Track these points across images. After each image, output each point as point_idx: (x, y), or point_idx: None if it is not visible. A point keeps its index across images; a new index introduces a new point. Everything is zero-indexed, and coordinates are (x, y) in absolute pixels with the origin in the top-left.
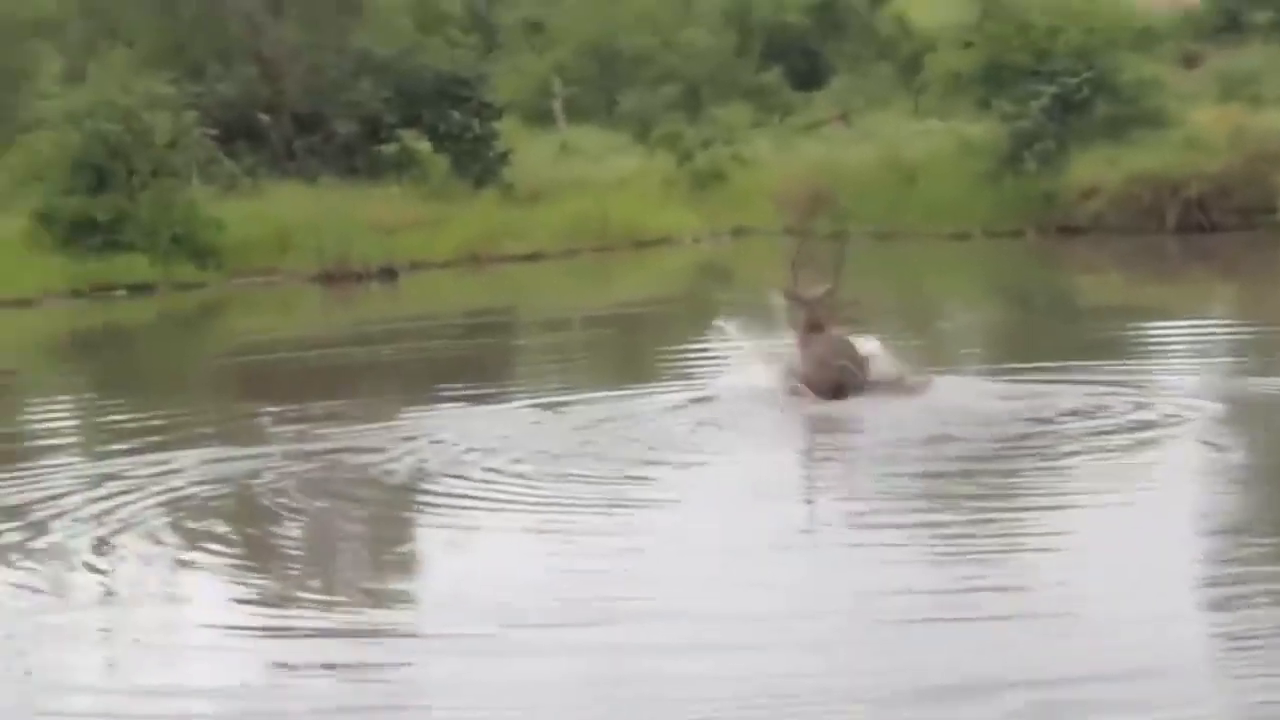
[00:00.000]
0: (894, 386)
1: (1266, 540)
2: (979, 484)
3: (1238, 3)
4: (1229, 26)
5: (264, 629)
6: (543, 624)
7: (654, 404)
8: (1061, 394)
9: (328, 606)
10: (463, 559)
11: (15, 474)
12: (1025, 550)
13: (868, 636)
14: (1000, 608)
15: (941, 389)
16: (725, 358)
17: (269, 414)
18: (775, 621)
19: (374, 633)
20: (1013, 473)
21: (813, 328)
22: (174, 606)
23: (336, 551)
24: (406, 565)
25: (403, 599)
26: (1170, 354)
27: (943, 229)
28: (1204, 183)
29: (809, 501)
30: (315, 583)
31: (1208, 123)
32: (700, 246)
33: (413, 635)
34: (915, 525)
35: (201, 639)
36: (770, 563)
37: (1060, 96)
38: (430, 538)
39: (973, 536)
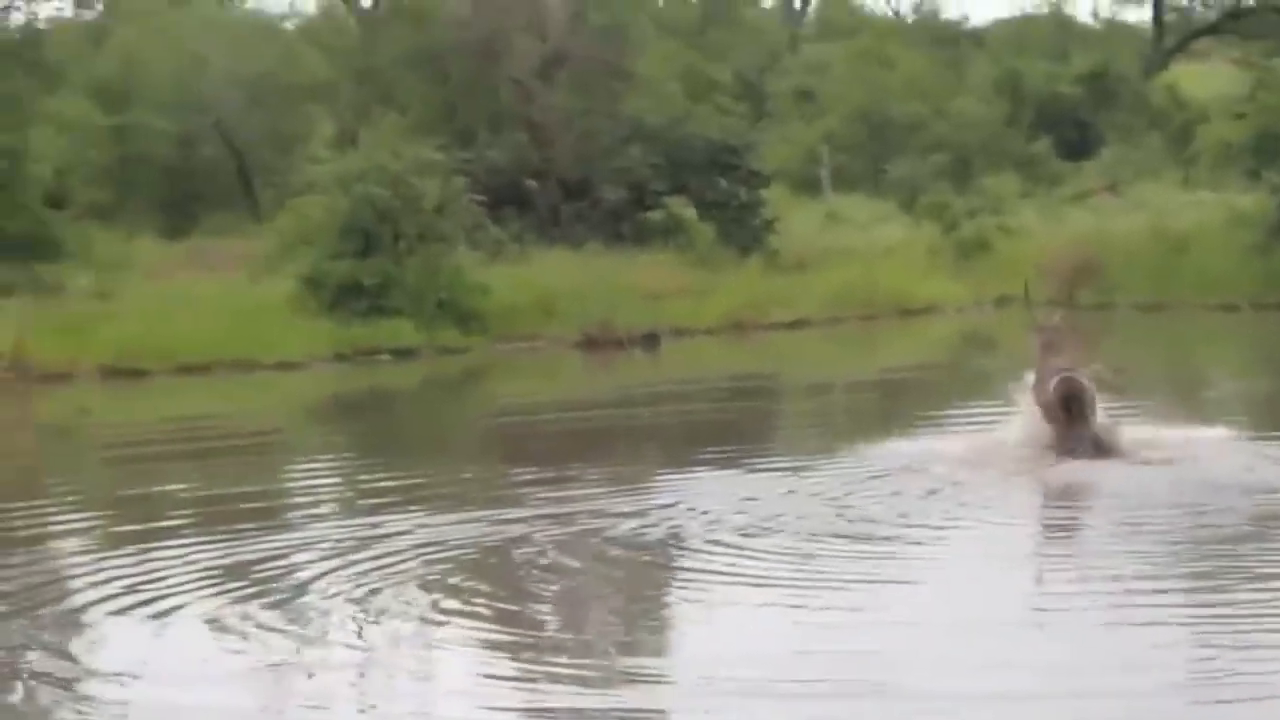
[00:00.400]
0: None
1: None
2: (1230, 557)
3: None
4: None
5: (517, 709)
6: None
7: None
8: None
9: (583, 684)
10: (711, 636)
11: (271, 530)
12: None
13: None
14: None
15: (1198, 458)
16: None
17: (528, 477)
18: (1034, 704)
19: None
20: (1266, 549)
21: (1048, 349)
22: (426, 683)
23: (590, 624)
24: (658, 643)
25: (654, 678)
26: None
27: (1210, 300)
28: None
29: (1059, 573)
30: (568, 659)
31: None
32: (964, 315)
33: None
34: (1166, 604)
35: (452, 713)
36: (1020, 639)
37: None
38: (683, 612)
39: (1224, 616)
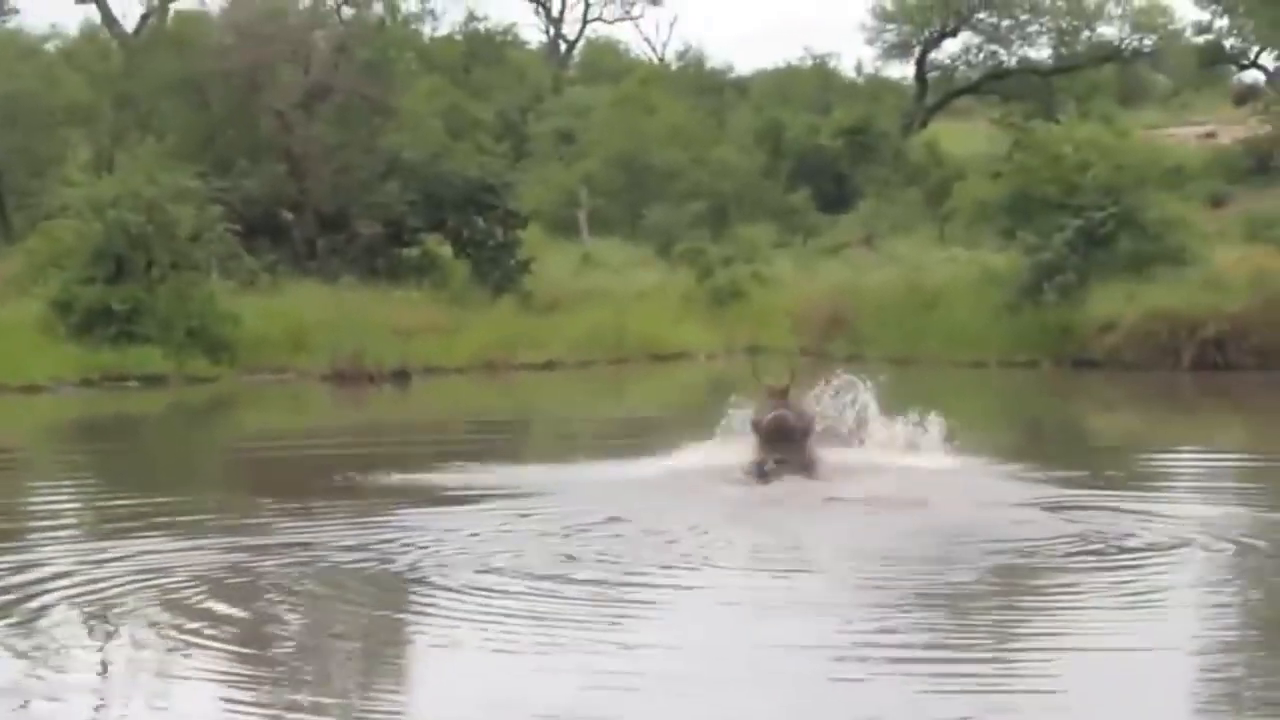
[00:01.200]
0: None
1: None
2: (970, 612)
3: (1268, 146)
4: (1259, 169)
5: None
6: None
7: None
8: (1061, 521)
9: (317, 711)
10: (442, 675)
11: (6, 551)
12: (1013, 690)
13: None
14: None
15: (942, 510)
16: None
17: (270, 507)
18: None
19: None
20: (1004, 605)
21: (774, 395)
22: (164, 713)
23: (328, 657)
24: (394, 675)
25: (387, 712)
26: (1176, 485)
27: (960, 357)
28: (1222, 323)
29: (795, 626)
30: (308, 694)
31: (1230, 263)
32: (715, 363)
33: None
34: (897, 659)
35: None
36: (753, 695)
37: (1084, 230)
38: (416, 648)
39: (962, 675)
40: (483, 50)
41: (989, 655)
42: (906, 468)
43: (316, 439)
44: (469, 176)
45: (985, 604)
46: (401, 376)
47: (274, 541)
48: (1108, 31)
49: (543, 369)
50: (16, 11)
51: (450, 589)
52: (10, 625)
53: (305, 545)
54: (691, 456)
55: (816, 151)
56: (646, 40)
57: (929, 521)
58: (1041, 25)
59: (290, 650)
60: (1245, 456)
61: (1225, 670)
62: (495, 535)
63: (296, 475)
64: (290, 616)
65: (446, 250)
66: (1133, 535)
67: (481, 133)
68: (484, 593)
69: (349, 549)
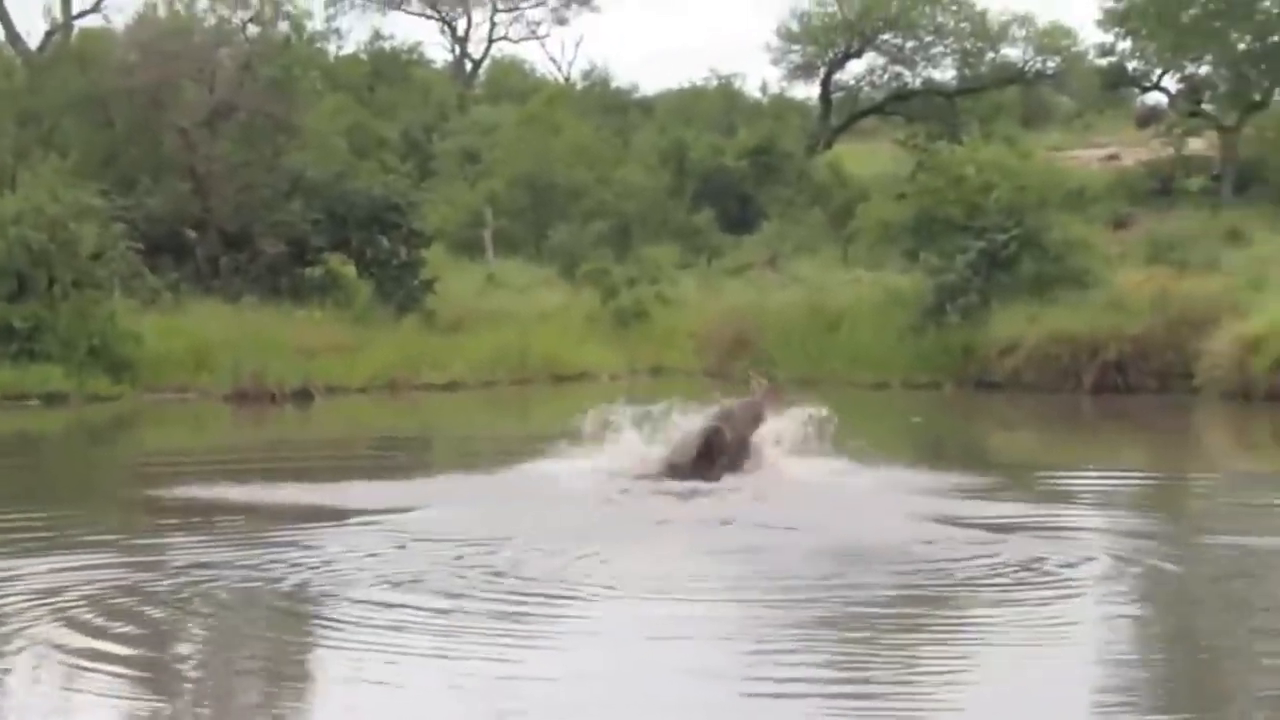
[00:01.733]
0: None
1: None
2: (873, 632)
3: (1171, 168)
4: (1161, 190)
5: None
6: None
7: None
8: (966, 542)
9: None
10: (347, 696)
11: None
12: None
13: None
14: None
15: (847, 530)
16: None
17: (170, 526)
18: None
19: None
20: (910, 629)
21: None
22: None
23: (221, 673)
24: (294, 693)
25: None
26: (1078, 506)
27: (863, 378)
28: (1123, 344)
29: (697, 653)
30: (203, 708)
31: (1132, 285)
32: (618, 383)
33: None
34: (801, 693)
35: None
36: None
37: (987, 252)
38: (317, 667)
39: (867, 703)
40: (388, 69)
41: (894, 683)
42: (813, 483)
43: (216, 458)
44: (373, 195)
45: (890, 628)
46: (303, 396)
47: (171, 560)
48: (1011, 53)
49: (445, 389)
50: None
51: (347, 610)
52: None
53: (203, 565)
54: (586, 468)
55: (721, 172)
56: (552, 60)
57: (833, 542)
58: (946, 47)
59: (186, 670)
60: (1146, 476)
61: (1131, 697)
62: (393, 554)
63: (195, 494)
64: (187, 637)
65: (350, 269)
66: (1038, 557)
67: (386, 152)
68: (381, 615)
69: (246, 568)
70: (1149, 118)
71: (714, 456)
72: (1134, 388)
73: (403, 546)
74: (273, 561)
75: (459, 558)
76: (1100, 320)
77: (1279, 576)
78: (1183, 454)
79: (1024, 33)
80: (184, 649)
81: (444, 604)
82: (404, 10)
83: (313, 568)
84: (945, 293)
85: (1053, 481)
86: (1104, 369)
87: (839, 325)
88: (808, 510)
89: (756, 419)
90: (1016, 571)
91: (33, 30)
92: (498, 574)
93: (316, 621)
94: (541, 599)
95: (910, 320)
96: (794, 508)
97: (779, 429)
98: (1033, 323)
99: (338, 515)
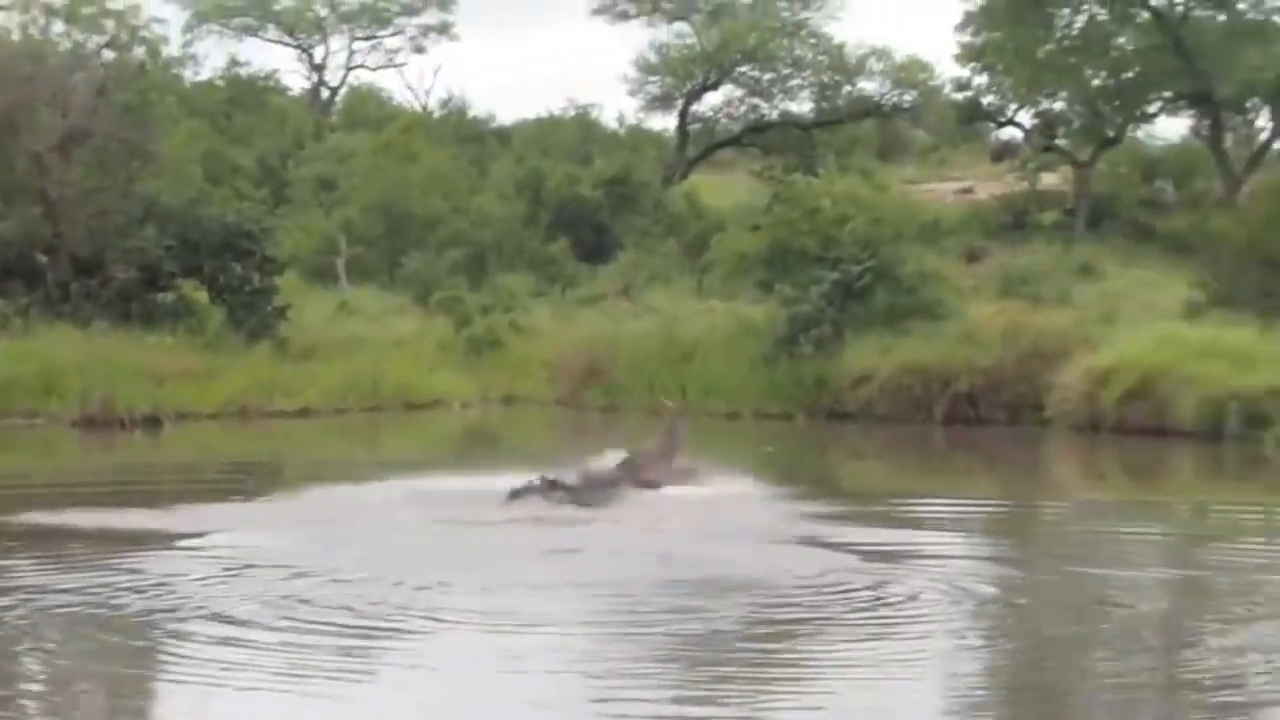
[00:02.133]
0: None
1: None
2: (722, 664)
3: (1024, 202)
4: (1015, 225)
5: None
6: None
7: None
8: (816, 569)
9: None
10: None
11: None
12: None
13: None
14: None
15: (696, 555)
16: None
17: (13, 551)
18: None
19: None
20: (758, 657)
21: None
22: None
23: (54, 705)
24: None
25: None
26: (925, 530)
27: (716, 408)
28: (975, 377)
29: (540, 683)
30: None
31: (985, 318)
32: (469, 412)
33: None
34: (651, 714)
35: None
36: None
37: (841, 283)
38: (147, 697)
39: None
40: (244, 96)
41: (742, 716)
42: (673, 508)
43: (64, 483)
44: (227, 222)
45: (739, 659)
46: (153, 422)
47: (13, 585)
48: (868, 87)
49: (297, 416)
50: None
51: (184, 641)
52: None
53: (45, 590)
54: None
55: (577, 202)
56: (410, 88)
57: (685, 570)
58: (803, 79)
59: (18, 699)
60: (996, 505)
61: None
62: (235, 583)
63: (40, 519)
64: (21, 662)
65: (202, 295)
66: (888, 585)
67: (241, 178)
68: (219, 647)
69: (87, 594)
70: (1003, 152)
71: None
72: (985, 419)
73: (245, 575)
74: (114, 588)
75: (302, 586)
76: (952, 352)
77: (1127, 604)
78: (1033, 484)
79: (881, 66)
80: (16, 678)
81: (285, 636)
82: (261, 37)
83: (153, 595)
84: (799, 324)
85: (904, 510)
86: (955, 401)
87: (692, 355)
88: (663, 537)
89: (674, 447)
90: (866, 600)
91: None
92: (340, 605)
93: (153, 653)
94: (384, 631)
95: (763, 351)
96: (650, 535)
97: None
98: (885, 354)
99: (182, 541)
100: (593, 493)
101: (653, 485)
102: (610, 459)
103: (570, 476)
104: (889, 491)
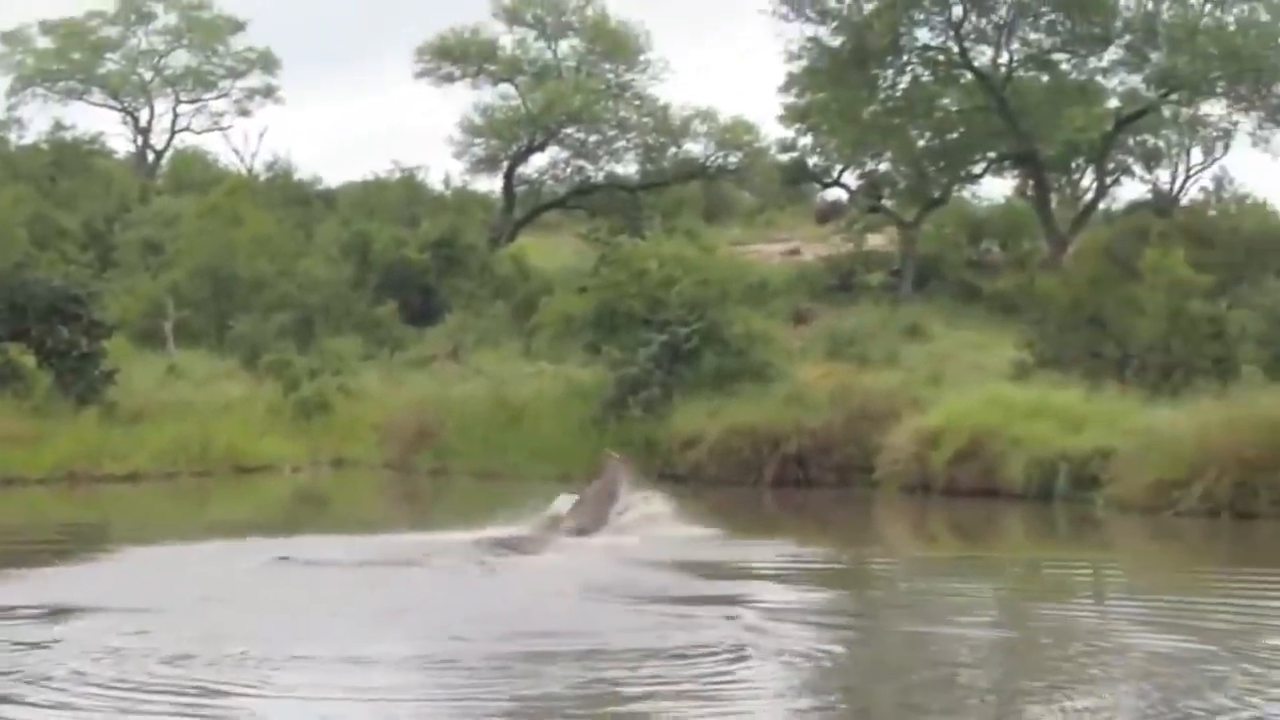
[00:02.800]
0: None
1: None
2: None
3: (851, 263)
4: (842, 286)
5: None
6: None
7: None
8: (649, 630)
9: None
10: None
11: None
12: None
13: None
14: None
15: (524, 614)
16: None
17: None
18: None
19: None
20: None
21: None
22: None
23: None
24: None
25: None
26: (755, 587)
27: (545, 471)
28: (804, 438)
29: None
30: None
31: (813, 379)
32: (299, 475)
33: None
34: None
35: None
36: None
37: (669, 345)
38: None
39: None
40: (69, 159)
41: None
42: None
43: None
44: (53, 286)
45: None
46: None
47: None
48: (694, 148)
49: (126, 480)
50: None
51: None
52: None
53: None
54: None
55: (403, 264)
56: (235, 151)
57: (517, 628)
58: (629, 141)
59: None
60: (826, 564)
61: None
62: (54, 648)
63: None
64: None
65: (29, 360)
66: (716, 640)
67: (67, 242)
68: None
69: None
70: (828, 213)
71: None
72: (814, 481)
73: (62, 640)
74: None
75: (116, 650)
76: (781, 414)
77: (949, 659)
78: (862, 543)
79: (706, 128)
80: None
81: (94, 702)
82: (86, 101)
83: None
84: (627, 386)
85: (733, 568)
86: (784, 462)
87: (521, 418)
88: (494, 596)
89: (611, 496)
90: (695, 655)
91: None
92: (159, 672)
93: None
94: (208, 702)
95: (592, 413)
96: (487, 592)
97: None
98: (714, 416)
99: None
100: (527, 542)
101: (584, 533)
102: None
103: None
104: (720, 550)
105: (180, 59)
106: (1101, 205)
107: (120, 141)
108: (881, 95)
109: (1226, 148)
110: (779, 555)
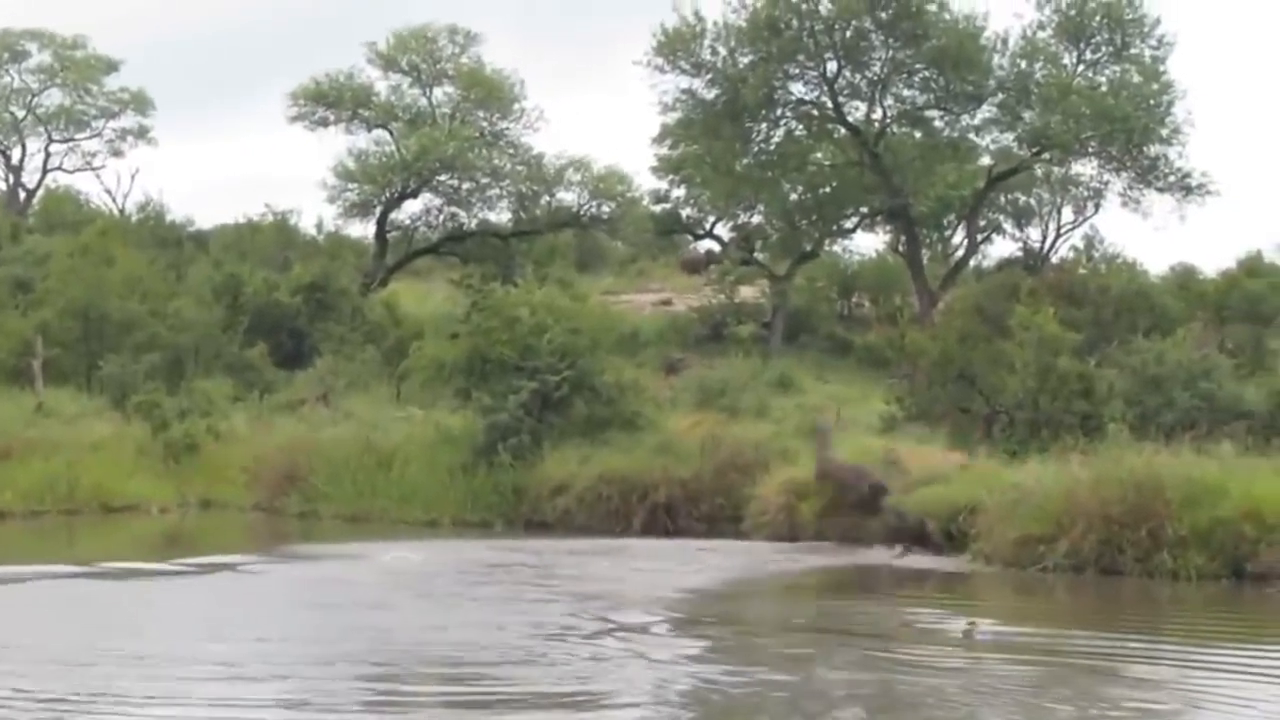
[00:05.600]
0: None
1: None
2: None
3: (722, 314)
4: (713, 336)
5: None
6: None
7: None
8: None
9: None
10: None
11: None
12: None
13: None
14: None
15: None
16: None
17: None
18: None
19: None
20: None
21: None
22: None
23: None
24: None
25: None
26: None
27: (413, 516)
28: (673, 487)
29: None
30: None
31: (683, 429)
32: (168, 515)
33: None
34: None
35: None
36: None
37: (540, 393)
38: None
39: None
40: None
41: None
42: None
43: None
44: None
45: None
46: None
47: None
48: (567, 197)
49: None
50: None
51: None
52: None
53: None
54: None
55: (275, 307)
56: (107, 191)
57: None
58: (502, 189)
59: None
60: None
61: None
62: None
63: None
64: None
65: None
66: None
67: None
68: None
69: None
70: (699, 264)
71: None
72: (683, 531)
73: None
74: None
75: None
76: (650, 463)
77: None
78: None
79: (580, 177)
80: None
81: None
82: None
83: None
84: (497, 432)
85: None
86: (653, 511)
87: (390, 463)
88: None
89: None
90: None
91: None
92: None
93: None
94: None
95: (462, 459)
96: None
97: None
98: (584, 464)
99: None
100: None
101: None
102: None
103: None
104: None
105: (53, 98)
106: (972, 262)
107: None
108: (755, 148)
109: (1097, 207)
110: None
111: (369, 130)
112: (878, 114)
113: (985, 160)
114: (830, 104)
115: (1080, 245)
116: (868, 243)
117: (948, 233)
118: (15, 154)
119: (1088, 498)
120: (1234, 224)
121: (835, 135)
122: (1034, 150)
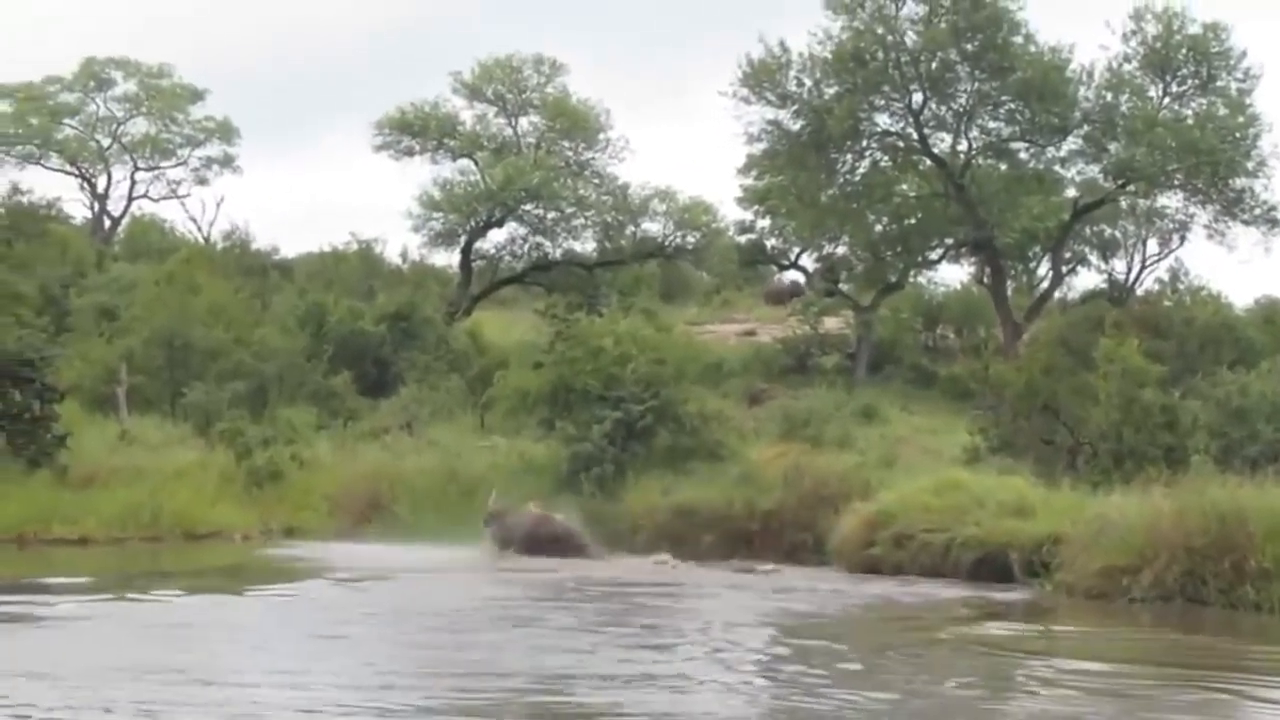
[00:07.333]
0: None
1: None
2: None
3: (806, 345)
4: (797, 368)
5: None
6: None
7: None
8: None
9: None
10: None
11: None
12: None
13: None
14: None
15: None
16: None
17: None
18: None
19: None
20: None
21: None
22: None
23: None
24: None
25: None
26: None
27: None
28: (755, 518)
29: None
30: None
31: (766, 460)
32: (250, 543)
33: None
34: None
35: None
36: None
37: (624, 423)
38: None
39: None
40: (26, 224)
41: None
42: None
43: None
44: (7, 349)
45: None
46: None
47: None
48: (652, 227)
49: (76, 544)
50: None
51: None
52: None
53: None
54: None
55: (359, 336)
56: (192, 219)
57: None
58: (587, 219)
59: None
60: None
61: None
62: None
63: None
64: None
65: None
66: None
67: (22, 306)
68: None
69: None
70: (784, 295)
71: None
72: (762, 560)
73: None
74: None
75: None
76: (733, 493)
77: None
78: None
79: (665, 208)
80: None
81: None
82: (43, 165)
83: None
84: (580, 462)
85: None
86: (734, 541)
87: (474, 492)
88: None
89: None
90: None
91: None
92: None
93: None
94: None
95: (545, 489)
96: None
97: None
98: (666, 494)
99: None
100: None
101: None
102: None
103: None
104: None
105: (139, 126)
106: (1057, 294)
107: (77, 207)
108: (840, 179)
109: (1183, 239)
110: None
111: (454, 159)
112: (963, 145)
113: (1070, 192)
114: (915, 135)
115: (1165, 278)
116: (952, 274)
117: (1032, 265)
118: (101, 182)
119: (1171, 529)
120: None
121: (920, 167)
122: (1119, 182)
